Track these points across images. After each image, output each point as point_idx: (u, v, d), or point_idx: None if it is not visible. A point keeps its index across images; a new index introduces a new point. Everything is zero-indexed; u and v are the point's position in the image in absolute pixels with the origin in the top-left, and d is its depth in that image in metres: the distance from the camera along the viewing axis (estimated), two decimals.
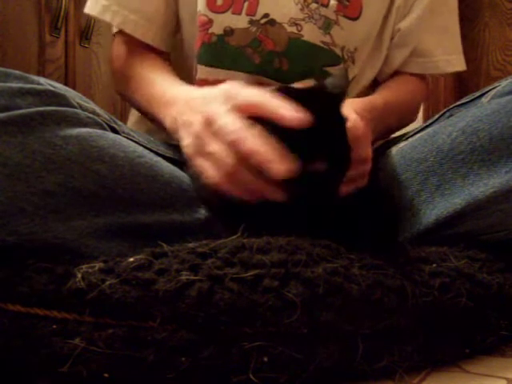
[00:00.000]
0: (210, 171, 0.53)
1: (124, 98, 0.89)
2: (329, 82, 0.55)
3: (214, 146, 0.52)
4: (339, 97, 0.54)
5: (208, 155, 0.53)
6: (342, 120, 0.53)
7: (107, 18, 0.78)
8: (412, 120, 0.90)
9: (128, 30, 0.78)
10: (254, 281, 0.45)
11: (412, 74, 0.89)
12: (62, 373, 0.44)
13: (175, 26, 0.83)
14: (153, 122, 0.77)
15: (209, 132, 0.53)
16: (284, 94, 0.52)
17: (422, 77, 0.91)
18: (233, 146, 0.50)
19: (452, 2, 0.91)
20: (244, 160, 0.50)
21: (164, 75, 0.76)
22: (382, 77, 0.91)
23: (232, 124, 0.51)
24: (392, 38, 0.87)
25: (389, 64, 0.89)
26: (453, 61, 0.89)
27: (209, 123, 0.53)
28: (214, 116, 0.53)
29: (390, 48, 0.87)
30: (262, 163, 0.49)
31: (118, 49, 0.82)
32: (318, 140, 0.51)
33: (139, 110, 0.82)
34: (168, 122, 0.64)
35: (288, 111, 0.49)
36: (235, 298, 0.44)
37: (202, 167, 0.54)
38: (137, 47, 0.80)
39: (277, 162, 0.48)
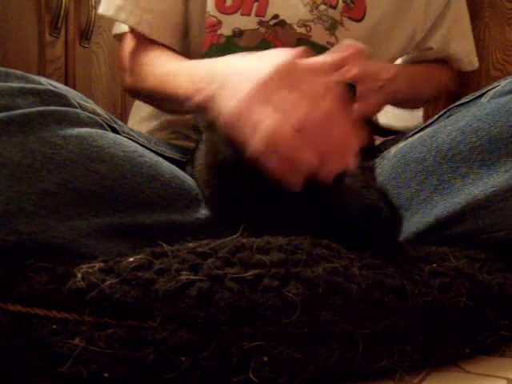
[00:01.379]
0: (249, 138, 0.47)
1: (131, 92, 0.84)
2: None
3: (291, 95, 0.47)
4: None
5: (254, 124, 0.47)
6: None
7: (122, 18, 0.76)
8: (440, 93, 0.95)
9: (141, 30, 0.76)
10: (253, 280, 0.45)
11: None
12: (61, 373, 0.44)
13: (185, 28, 0.82)
14: (161, 103, 0.74)
15: (284, 82, 0.48)
16: None
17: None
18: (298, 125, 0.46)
19: (465, 4, 0.95)
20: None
21: (176, 56, 0.74)
22: None
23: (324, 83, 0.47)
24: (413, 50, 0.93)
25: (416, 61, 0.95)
26: (472, 61, 0.96)
27: (286, 72, 0.48)
28: (291, 69, 0.48)
29: (416, 57, 0.95)
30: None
31: (128, 44, 0.80)
32: None
33: (148, 95, 0.76)
34: (198, 94, 0.57)
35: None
36: (235, 298, 0.44)
37: (243, 135, 0.48)
38: (148, 42, 0.78)
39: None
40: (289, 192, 0.54)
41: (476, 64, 0.98)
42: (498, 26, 1.56)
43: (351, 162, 0.48)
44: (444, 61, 0.95)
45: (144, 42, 0.78)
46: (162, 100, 0.71)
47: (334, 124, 0.47)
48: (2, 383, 0.46)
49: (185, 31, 0.82)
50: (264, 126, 0.46)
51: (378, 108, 0.79)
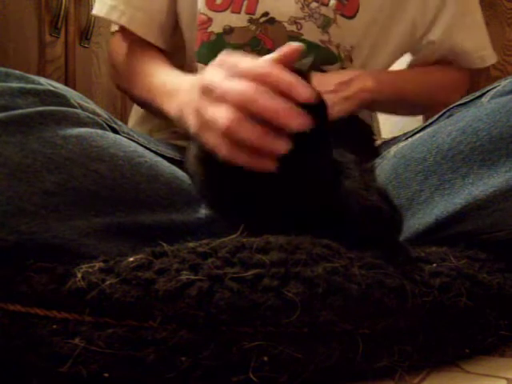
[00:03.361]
0: (211, 139, 0.51)
1: (122, 91, 0.92)
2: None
3: (213, 110, 0.51)
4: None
5: (207, 123, 0.52)
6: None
7: (114, 17, 0.81)
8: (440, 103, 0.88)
9: (133, 28, 0.81)
10: (253, 280, 0.45)
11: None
12: (61, 373, 0.44)
13: (175, 27, 0.85)
14: (154, 111, 0.79)
15: (207, 100, 0.52)
16: None
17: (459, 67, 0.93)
18: (240, 104, 0.49)
19: None
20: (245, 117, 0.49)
21: (163, 67, 0.78)
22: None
23: (238, 85, 0.49)
24: (413, 48, 0.91)
25: (419, 64, 0.93)
26: (485, 56, 0.93)
27: (207, 91, 0.52)
28: (212, 83, 0.52)
29: (419, 55, 0.92)
30: (276, 119, 0.48)
31: (119, 45, 0.85)
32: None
33: (139, 101, 0.84)
34: (173, 112, 0.65)
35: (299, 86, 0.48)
36: (235, 298, 0.44)
37: (207, 140, 0.52)
38: (138, 44, 0.83)
39: (292, 116, 0.48)
40: (289, 191, 0.54)
41: (488, 61, 0.93)
42: (497, 26, 1.56)
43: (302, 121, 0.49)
44: (451, 63, 0.92)
45: (135, 42, 0.83)
46: (152, 108, 0.77)
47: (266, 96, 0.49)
48: (2, 383, 0.46)
49: (172, 31, 0.85)
50: (218, 126, 0.50)
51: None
